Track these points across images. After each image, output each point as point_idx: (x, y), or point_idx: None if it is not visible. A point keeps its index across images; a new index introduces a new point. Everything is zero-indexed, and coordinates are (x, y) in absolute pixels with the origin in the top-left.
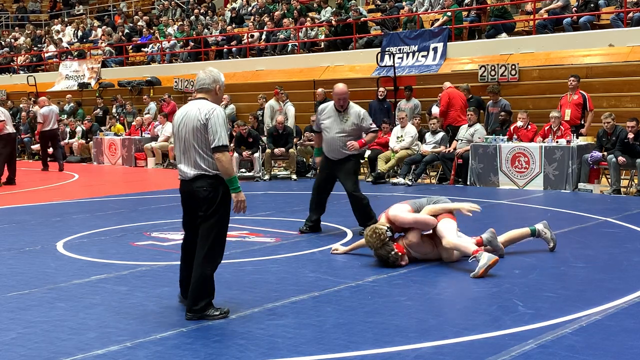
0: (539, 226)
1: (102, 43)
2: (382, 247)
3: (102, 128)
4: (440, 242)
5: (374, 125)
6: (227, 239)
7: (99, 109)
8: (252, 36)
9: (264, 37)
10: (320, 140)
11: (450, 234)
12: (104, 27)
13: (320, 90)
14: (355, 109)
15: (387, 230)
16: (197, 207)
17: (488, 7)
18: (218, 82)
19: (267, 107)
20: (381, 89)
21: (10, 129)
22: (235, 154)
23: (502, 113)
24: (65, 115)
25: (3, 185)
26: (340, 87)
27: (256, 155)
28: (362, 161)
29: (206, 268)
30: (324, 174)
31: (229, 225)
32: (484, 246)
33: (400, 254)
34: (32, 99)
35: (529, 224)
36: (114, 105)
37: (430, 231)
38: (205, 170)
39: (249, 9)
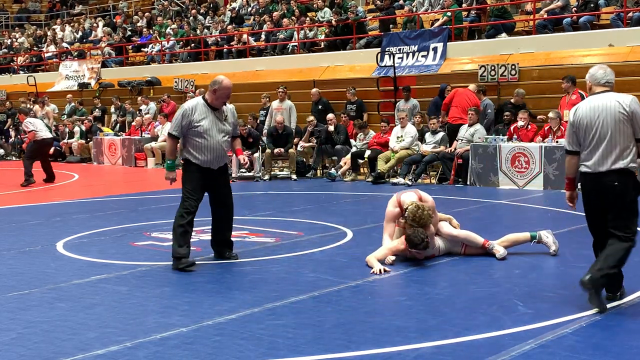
0: (542, 232)
1: (102, 43)
2: (419, 230)
3: (102, 128)
4: (445, 239)
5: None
6: None
7: (97, 109)
8: (245, 42)
9: (263, 37)
10: (176, 147)
11: (456, 229)
12: (104, 27)
13: (314, 90)
14: (227, 105)
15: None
16: (608, 203)
17: (488, 7)
18: None
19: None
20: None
21: (44, 134)
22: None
23: (507, 113)
24: (66, 116)
25: (43, 182)
26: (228, 81)
27: (256, 155)
28: (361, 161)
29: None
30: (211, 192)
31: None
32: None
33: (429, 241)
34: (32, 99)
35: (529, 224)
36: (113, 106)
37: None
38: (622, 164)
39: (249, 9)
